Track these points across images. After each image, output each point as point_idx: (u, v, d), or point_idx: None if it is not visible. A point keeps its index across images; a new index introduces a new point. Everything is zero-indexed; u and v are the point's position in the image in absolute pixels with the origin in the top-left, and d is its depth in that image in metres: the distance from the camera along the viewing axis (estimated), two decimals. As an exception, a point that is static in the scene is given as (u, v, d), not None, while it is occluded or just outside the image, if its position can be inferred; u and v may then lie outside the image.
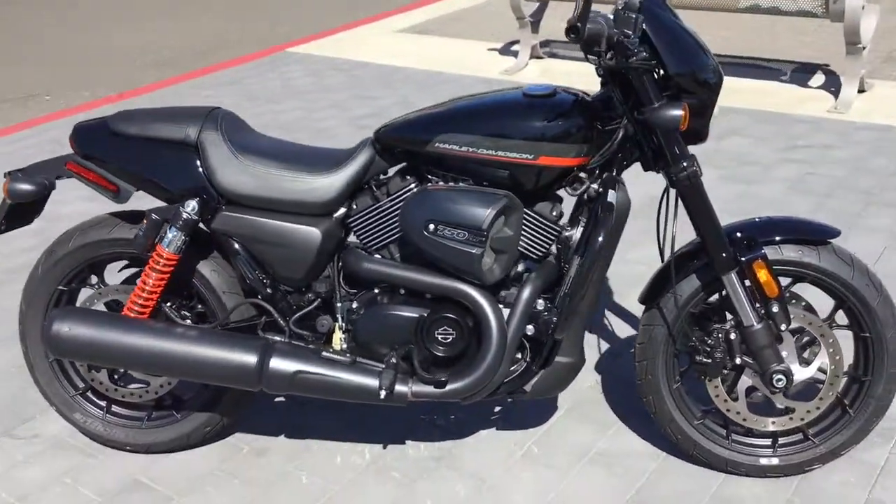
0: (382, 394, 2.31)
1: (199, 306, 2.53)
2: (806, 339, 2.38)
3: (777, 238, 2.31)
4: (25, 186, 2.41)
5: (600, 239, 2.24)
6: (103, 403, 2.66)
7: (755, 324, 2.28)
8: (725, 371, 2.36)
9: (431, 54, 6.93)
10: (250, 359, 2.32)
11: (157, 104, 4.75)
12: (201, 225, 2.43)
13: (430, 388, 2.35)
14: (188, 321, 2.51)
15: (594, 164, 2.30)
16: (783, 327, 2.30)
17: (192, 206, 2.36)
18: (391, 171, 2.43)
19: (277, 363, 2.33)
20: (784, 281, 2.33)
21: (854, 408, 2.41)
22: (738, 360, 2.35)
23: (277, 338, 2.42)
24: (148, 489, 2.52)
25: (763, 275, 2.28)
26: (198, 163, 2.39)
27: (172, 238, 2.37)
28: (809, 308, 2.39)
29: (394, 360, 2.36)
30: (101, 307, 2.54)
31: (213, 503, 2.46)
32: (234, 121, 2.50)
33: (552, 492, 2.45)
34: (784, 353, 2.34)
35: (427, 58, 6.83)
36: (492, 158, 2.25)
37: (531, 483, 2.49)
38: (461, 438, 2.68)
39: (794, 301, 2.39)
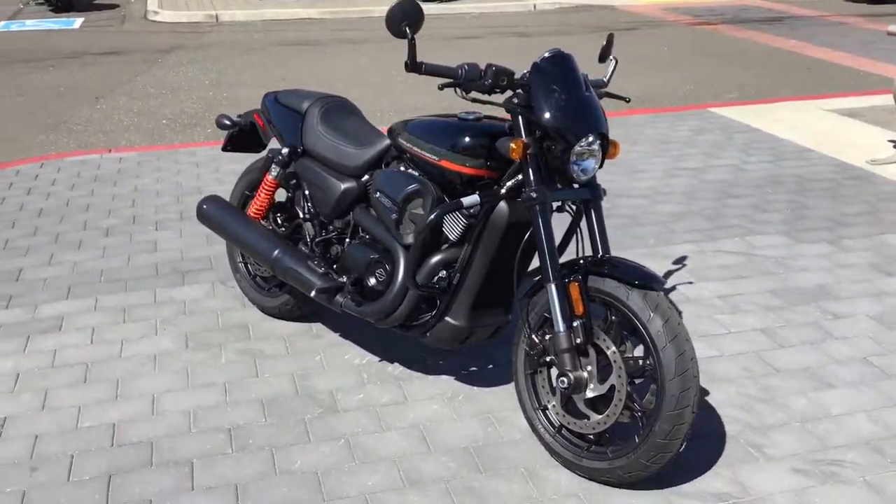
0: (313, 292, 3.31)
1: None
2: (605, 362, 2.79)
3: (604, 271, 2.77)
4: (223, 121, 3.88)
5: (478, 239, 2.99)
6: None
7: (560, 330, 2.79)
8: (540, 365, 2.89)
9: (819, 130, 7.05)
10: (275, 253, 3.50)
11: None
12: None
13: (352, 304, 3.30)
14: (281, 228, 3.78)
15: (506, 180, 2.99)
16: (578, 340, 2.77)
17: (286, 151, 3.62)
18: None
19: (283, 256, 3.47)
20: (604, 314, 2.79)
21: (641, 437, 2.74)
22: (547, 358, 2.87)
23: (300, 247, 3.57)
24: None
25: (574, 293, 2.78)
26: (300, 125, 3.63)
27: (273, 169, 3.67)
28: (618, 339, 2.79)
29: (347, 279, 3.34)
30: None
31: (297, 343, 3.72)
32: (341, 105, 3.68)
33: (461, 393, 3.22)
34: (588, 368, 2.80)
35: (809, 132, 6.98)
36: (416, 154, 3.11)
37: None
38: (431, 374, 3.54)
39: (610, 330, 2.80)
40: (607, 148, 2.91)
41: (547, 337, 2.88)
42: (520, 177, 2.92)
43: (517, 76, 2.85)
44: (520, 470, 2.96)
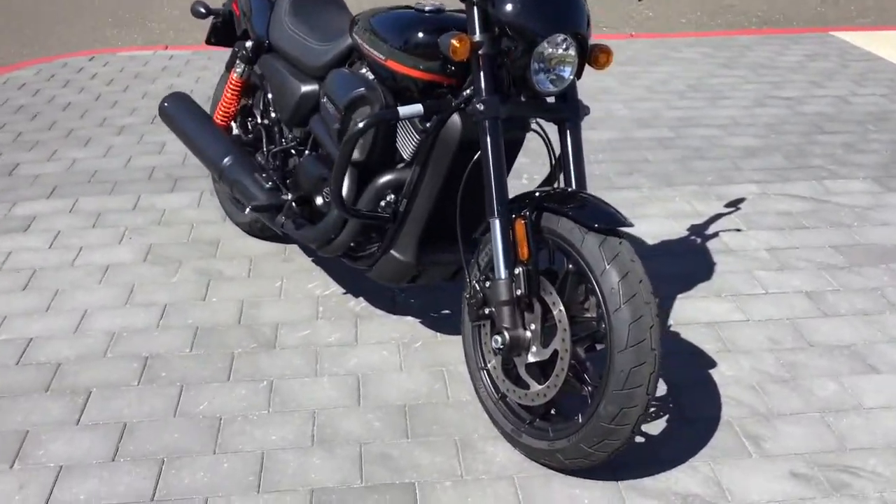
0: (248, 208, 2.87)
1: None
2: (553, 322, 2.23)
3: (560, 208, 2.20)
4: (198, 8, 3.43)
5: (426, 159, 2.46)
6: None
7: (500, 277, 2.25)
8: (480, 317, 2.36)
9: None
10: (225, 160, 3.06)
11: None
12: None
13: (292, 226, 2.84)
14: (249, 136, 3.34)
15: (466, 89, 2.44)
16: (519, 292, 2.23)
17: (249, 44, 3.15)
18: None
19: (232, 165, 3.03)
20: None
21: (584, 418, 2.19)
22: (486, 310, 2.33)
23: (258, 158, 3.12)
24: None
25: (520, 234, 2.23)
26: (269, 14, 3.14)
27: (237, 66, 3.21)
28: (574, 294, 2.23)
29: (291, 197, 2.87)
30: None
31: (263, 266, 3.33)
32: None
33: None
34: (532, 326, 2.26)
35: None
36: (366, 52, 2.57)
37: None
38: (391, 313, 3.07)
39: (565, 282, 2.24)
40: (586, 53, 2.31)
41: (487, 284, 2.35)
42: None
43: None
44: (453, 439, 2.47)
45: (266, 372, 2.75)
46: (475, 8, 2.28)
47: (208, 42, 3.57)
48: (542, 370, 2.31)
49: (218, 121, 3.35)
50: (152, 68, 5.90)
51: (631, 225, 2.17)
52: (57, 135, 4.69)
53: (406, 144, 2.56)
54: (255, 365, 2.78)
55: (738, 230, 3.66)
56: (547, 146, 2.48)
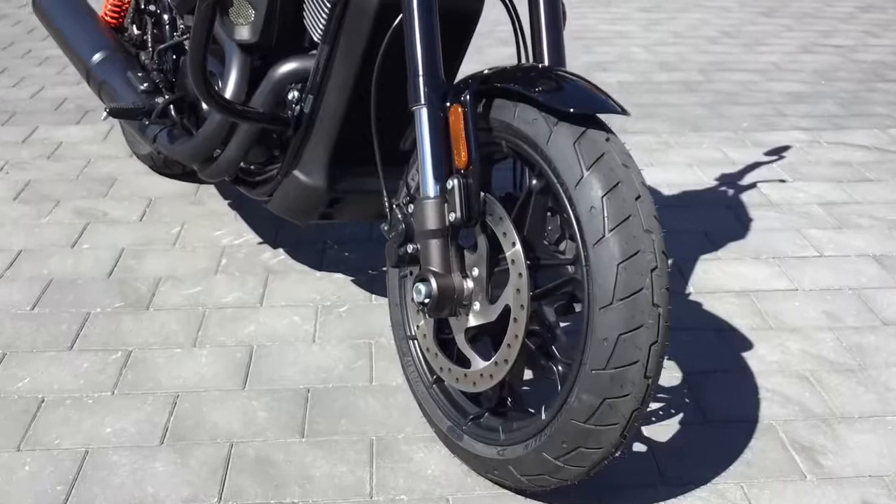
0: (104, 111, 2.10)
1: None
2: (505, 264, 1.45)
3: (516, 88, 1.41)
4: None
5: (336, 36, 1.69)
6: None
7: (426, 195, 1.47)
8: (401, 260, 1.57)
9: None
10: (95, 57, 2.31)
11: None
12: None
13: (165, 138, 2.08)
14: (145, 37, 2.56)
15: None
16: (453, 216, 1.44)
17: None
18: None
19: (102, 63, 2.27)
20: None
21: (549, 413, 1.41)
22: (409, 248, 1.54)
23: (140, 57, 2.35)
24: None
25: (456, 129, 1.45)
26: None
27: (126, -58, 2.45)
28: (537, 223, 1.44)
29: (167, 98, 2.10)
30: None
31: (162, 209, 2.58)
32: None
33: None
34: (475, 272, 1.48)
35: None
36: None
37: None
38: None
39: (525, 204, 1.46)
40: None
41: (411, 209, 1.56)
42: None
43: None
44: (368, 439, 1.69)
45: (125, 339, 1.98)
46: None
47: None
48: (492, 340, 1.53)
49: (107, 18, 2.59)
50: (106, 6, 5.16)
51: (625, 112, 1.39)
52: (-33, 65, 3.97)
53: (313, 17, 1.79)
54: (113, 330, 2.01)
55: (783, 181, 2.85)
56: (510, 13, 1.70)
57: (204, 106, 2.03)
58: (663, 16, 5.06)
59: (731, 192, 2.76)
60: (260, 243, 2.42)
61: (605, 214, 1.29)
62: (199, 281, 2.23)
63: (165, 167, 2.71)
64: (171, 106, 2.07)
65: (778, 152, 3.07)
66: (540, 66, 1.55)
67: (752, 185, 2.80)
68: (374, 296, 2.19)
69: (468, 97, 1.44)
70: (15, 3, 5.17)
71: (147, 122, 2.10)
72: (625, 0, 5.44)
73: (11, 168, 2.86)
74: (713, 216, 2.60)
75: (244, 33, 1.86)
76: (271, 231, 2.47)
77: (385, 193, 1.64)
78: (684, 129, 3.28)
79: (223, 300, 2.15)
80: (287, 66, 1.83)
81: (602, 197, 1.30)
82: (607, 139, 1.35)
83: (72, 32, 2.40)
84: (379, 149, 1.67)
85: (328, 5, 1.73)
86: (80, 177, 2.80)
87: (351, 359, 1.93)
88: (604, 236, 1.29)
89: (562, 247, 1.53)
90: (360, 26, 1.68)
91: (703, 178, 2.85)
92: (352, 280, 2.26)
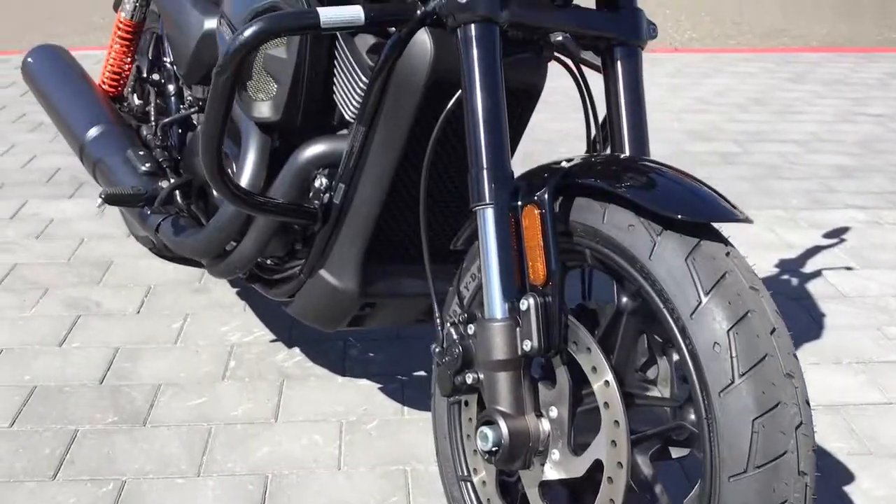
0: (100, 197, 1.81)
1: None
2: (593, 403, 1.16)
3: (609, 187, 1.15)
4: None
5: (375, 114, 1.43)
6: None
7: (495, 315, 1.20)
8: (459, 388, 1.29)
9: None
10: (90, 132, 2.04)
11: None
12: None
13: (169, 229, 1.80)
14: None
15: None
16: (528, 345, 1.16)
17: (140, -36, 2.14)
18: None
19: (98, 139, 2.01)
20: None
21: None
22: (468, 377, 1.26)
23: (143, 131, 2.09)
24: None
25: (532, 234, 1.17)
26: None
27: (125, 2, 2.20)
28: (629, 352, 1.16)
29: (172, 182, 1.83)
30: None
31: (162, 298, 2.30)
32: None
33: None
34: (552, 412, 1.19)
35: None
36: None
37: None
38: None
39: (614, 329, 1.18)
40: None
41: (472, 330, 1.29)
42: None
43: None
44: None
45: (118, 466, 1.68)
46: None
47: (117, 6, 2.58)
48: (572, 493, 1.24)
49: (105, 86, 2.33)
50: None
51: (748, 220, 1.12)
52: (-44, 131, 3.71)
53: (346, 93, 1.53)
54: (105, 453, 1.71)
55: (849, 268, 2.58)
56: (581, 89, 1.44)
57: (215, 192, 1.76)
58: (687, 81, 4.85)
59: (794, 280, 2.49)
60: (273, 341, 2.14)
61: (734, 354, 1.02)
62: (203, 389, 1.94)
63: (166, 250, 2.42)
64: (177, 191, 1.80)
65: (837, 234, 2.81)
66: (629, 157, 1.29)
67: (817, 274, 2.53)
68: (405, 408, 1.90)
69: (546, 196, 1.17)
70: (11, 64, 4.94)
71: (149, 211, 1.83)
72: (646, 64, 5.24)
73: (-4, 249, 2.59)
74: (780, 310, 2.32)
75: (264, 110, 1.60)
76: (285, 326, 2.18)
77: (435, 304, 1.37)
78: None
79: (232, 413, 1.86)
80: (314, 149, 1.56)
81: (728, 331, 1.02)
82: (727, 253, 1.08)
83: (65, 102, 2.14)
84: (425, 246, 1.40)
85: (364, 80, 1.48)
86: (71, 259, 2.52)
87: (384, 492, 1.64)
88: (733, 383, 1.01)
89: (649, 372, 1.26)
90: (404, 106, 1.42)
91: (760, 265, 2.58)
92: (379, 388, 1.97)
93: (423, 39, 1.38)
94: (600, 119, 1.44)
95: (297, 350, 2.10)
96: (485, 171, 1.22)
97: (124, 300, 2.31)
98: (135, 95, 2.29)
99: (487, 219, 1.20)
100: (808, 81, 5.00)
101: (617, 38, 1.36)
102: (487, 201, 1.21)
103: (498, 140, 1.23)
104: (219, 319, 2.23)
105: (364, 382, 1.99)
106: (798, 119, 4.19)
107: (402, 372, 2.03)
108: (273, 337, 2.16)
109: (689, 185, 1.14)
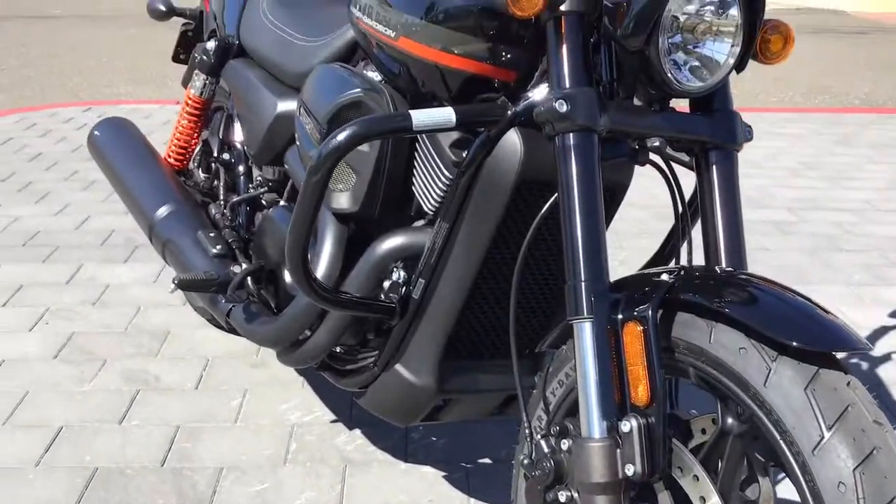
0: (173, 283, 1.78)
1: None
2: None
3: (717, 304, 1.11)
4: (157, 5, 2.44)
5: (459, 211, 1.41)
6: None
7: (592, 435, 1.15)
8: (546, 497, 1.24)
9: None
10: (159, 211, 2.03)
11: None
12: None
13: (241, 317, 1.77)
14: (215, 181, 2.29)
15: (535, 85, 1.39)
16: (630, 470, 1.11)
17: (211, 45, 2.14)
18: None
19: (167, 219, 2.00)
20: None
21: None
22: (561, 495, 1.21)
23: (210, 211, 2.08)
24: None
25: (633, 353, 1.13)
26: (242, 4, 2.15)
27: (196, 78, 2.20)
28: (733, 476, 1.11)
29: (242, 270, 1.81)
30: None
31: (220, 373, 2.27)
32: None
33: None
34: (652, 538, 1.15)
35: None
36: (367, 30, 1.53)
37: None
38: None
39: (719, 453, 1.13)
40: (759, 24, 1.26)
41: (565, 445, 1.25)
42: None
43: None
44: None
45: (182, 558, 1.66)
46: None
47: (176, 59, 2.58)
48: None
49: (171, 160, 2.33)
50: (154, 121, 4.98)
51: (868, 348, 1.08)
52: (9, 188, 3.73)
53: (427, 186, 1.50)
54: (169, 543, 1.69)
55: (919, 351, 2.52)
56: (673, 191, 1.40)
57: (287, 278, 1.74)
58: (734, 143, 4.81)
59: (864, 365, 2.43)
60: (333, 421, 2.10)
61: (861, 495, 0.96)
62: (265, 474, 1.90)
63: (226, 323, 2.41)
64: (249, 277, 1.78)
65: (903, 313, 2.75)
66: (733, 272, 1.25)
67: (887, 358, 2.47)
68: (472, 499, 1.85)
69: (650, 313, 1.14)
70: (59, 118, 5.00)
71: (222, 298, 1.81)
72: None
73: (52, 316, 2.57)
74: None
75: (343, 201, 1.58)
76: (345, 405, 2.15)
77: (525, 412, 1.33)
78: (792, 283, 2.96)
79: (295, 502, 1.82)
80: (392, 242, 1.54)
81: (854, 470, 0.98)
82: (848, 383, 1.04)
83: (133, 178, 2.14)
84: (514, 349, 1.36)
85: (447, 174, 1.45)
86: (128, 328, 2.51)
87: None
88: (858, 529, 0.96)
89: (749, 491, 1.21)
90: (492, 205, 1.39)
91: (826, 346, 2.52)
92: (443, 475, 1.92)
93: (514, 140, 1.35)
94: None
95: (358, 432, 2.07)
96: (583, 284, 1.18)
97: (182, 374, 2.29)
98: (200, 170, 2.29)
99: (586, 334, 1.17)
100: (858, 145, 4.94)
101: (712, 141, 1.33)
102: (586, 315, 1.17)
103: (597, 251, 1.20)
104: (277, 397, 2.20)
105: (428, 469, 1.94)
106: (851, 186, 4.13)
107: (467, 459, 1.98)
108: (333, 417, 2.13)
109: (802, 307, 1.10)
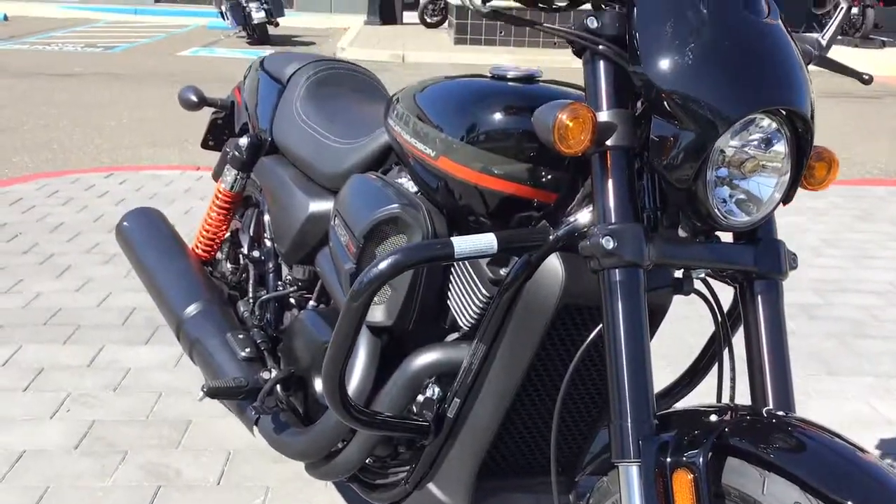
0: (202, 390, 1.76)
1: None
2: None
3: (770, 455, 1.08)
4: (189, 96, 2.46)
5: (498, 332, 1.39)
6: None
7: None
8: None
9: None
10: (188, 310, 2.02)
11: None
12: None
13: (270, 426, 1.74)
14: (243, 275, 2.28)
15: (575, 210, 1.38)
16: None
17: (243, 141, 2.14)
18: None
19: (195, 318, 1.99)
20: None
21: None
22: None
23: (239, 308, 2.06)
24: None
25: (680, 498, 1.10)
26: (276, 102, 2.16)
27: (227, 173, 2.20)
28: None
29: (273, 376, 1.78)
30: None
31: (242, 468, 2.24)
32: (346, 73, 2.17)
33: None
34: None
35: None
36: (406, 147, 1.53)
37: None
38: None
39: None
40: (806, 159, 1.25)
41: None
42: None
43: None
44: None
45: None
46: (602, 61, 1.24)
47: (205, 145, 2.59)
48: None
49: (199, 250, 2.33)
50: (175, 188, 5.00)
51: (926, 504, 1.04)
52: (30, 260, 3.73)
53: (463, 302, 1.49)
54: None
55: (955, 452, 2.46)
56: (718, 322, 1.38)
57: (318, 387, 1.71)
58: (755, 217, 4.79)
59: (898, 466, 2.38)
60: None
61: None
62: (290, 582, 1.86)
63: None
64: (278, 385, 1.76)
65: (939, 409, 2.70)
66: (787, 417, 1.21)
67: (922, 458, 2.42)
68: None
69: (701, 460, 1.11)
70: (81, 185, 5.03)
71: (249, 405, 1.79)
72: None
73: (73, 403, 2.55)
74: None
75: (377, 315, 1.56)
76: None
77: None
78: (820, 372, 2.93)
79: None
80: (427, 358, 1.52)
81: None
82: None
83: (163, 273, 2.14)
84: (553, 475, 1.33)
85: (484, 292, 1.43)
86: (150, 417, 2.49)
87: None
88: None
89: None
90: (532, 327, 1.37)
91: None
92: (472, 586, 1.88)
93: (555, 264, 1.34)
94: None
95: (383, 536, 2.02)
96: (629, 424, 1.16)
97: (204, 468, 2.26)
98: (228, 261, 2.28)
99: (633, 478, 1.14)
100: (878, 220, 4.92)
101: (757, 271, 1.31)
102: (632, 458, 1.14)
103: (643, 389, 1.17)
104: (301, 494, 2.16)
105: (456, 578, 1.90)
106: (874, 265, 4.10)
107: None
108: (359, 517, 2.09)
109: (855, 460, 1.07)
